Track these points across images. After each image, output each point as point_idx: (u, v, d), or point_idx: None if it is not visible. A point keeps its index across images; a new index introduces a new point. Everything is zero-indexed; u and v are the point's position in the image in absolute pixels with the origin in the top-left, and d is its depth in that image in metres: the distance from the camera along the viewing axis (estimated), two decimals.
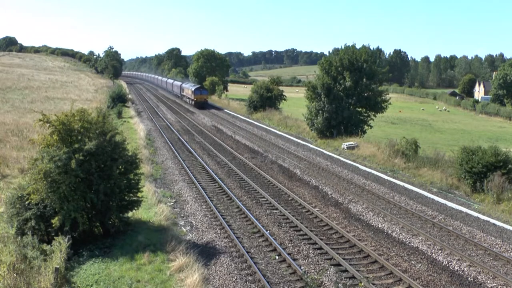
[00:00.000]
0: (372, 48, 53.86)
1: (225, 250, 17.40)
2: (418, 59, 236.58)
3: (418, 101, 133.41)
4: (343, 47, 46.25)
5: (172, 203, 23.15)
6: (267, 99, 64.25)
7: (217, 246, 17.81)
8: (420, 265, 16.81)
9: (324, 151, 37.80)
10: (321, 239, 18.63)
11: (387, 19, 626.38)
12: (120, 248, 16.63)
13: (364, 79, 42.88)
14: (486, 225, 20.62)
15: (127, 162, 17.84)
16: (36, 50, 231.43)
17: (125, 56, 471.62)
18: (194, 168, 31.14)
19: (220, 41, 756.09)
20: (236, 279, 15.11)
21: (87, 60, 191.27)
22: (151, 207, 21.18)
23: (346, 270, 15.90)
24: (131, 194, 18.14)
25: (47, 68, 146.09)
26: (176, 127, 51.72)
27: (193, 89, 76.00)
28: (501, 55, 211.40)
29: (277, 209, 22.70)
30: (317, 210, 22.49)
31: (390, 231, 19.79)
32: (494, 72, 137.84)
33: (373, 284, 14.94)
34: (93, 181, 16.80)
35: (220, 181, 27.19)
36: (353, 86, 43.02)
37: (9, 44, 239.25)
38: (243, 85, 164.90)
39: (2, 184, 24.13)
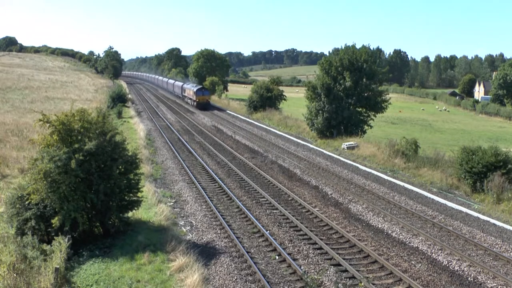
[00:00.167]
0: (372, 48, 53.91)
1: (225, 250, 17.40)
2: (418, 59, 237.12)
3: (418, 101, 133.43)
4: (343, 47, 46.25)
5: (172, 203, 23.15)
6: (267, 99, 64.23)
7: (217, 246, 17.81)
8: (420, 265, 16.81)
9: (324, 151, 37.80)
10: (321, 239, 18.63)
11: (387, 19, 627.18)
12: (120, 248, 16.62)
13: (364, 79, 42.87)
14: (486, 225, 20.62)
15: (127, 162, 17.83)
16: (36, 50, 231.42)
17: (125, 56, 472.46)
18: (194, 168, 31.14)
19: (220, 41, 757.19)
20: (236, 279, 15.11)
21: (87, 60, 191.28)
22: (151, 207, 21.18)
23: (346, 270, 15.89)
24: (131, 194, 18.14)
25: (47, 68, 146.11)
26: (176, 127, 51.72)
27: (195, 90, 74.25)
28: (501, 55, 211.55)
29: (277, 209, 22.70)
30: (317, 210, 22.49)
31: (390, 231, 19.79)
32: (494, 72, 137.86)
33: (373, 284, 14.95)
34: (93, 181, 16.80)
35: (220, 181, 27.20)
36: (353, 86, 43.01)
37: (9, 44, 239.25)
38: (243, 85, 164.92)
39: (2, 184, 24.13)
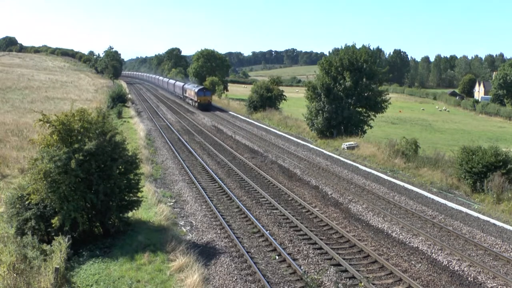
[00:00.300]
0: (372, 48, 53.96)
1: (225, 250, 17.40)
2: (418, 59, 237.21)
3: (418, 101, 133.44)
4: (343, 47, 46.26)
5: (172, 203, 23.15)
6: (267, 99, 64.24)
7: (217, 246, 17.81)
8: (420, 265, 16.81)
9: (324, 151, 37.80)
10: (321, 239, 18.63)
11: (387, 19, 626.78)
12: (120, 248, 16.63)
13: (364, 79, 42.87)
14: (486, 225, 20.62)
15: (127, 162, 17.83)
16: (36, 50, 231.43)
17: (125, 56, 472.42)
18: (194, 168, 31.14)
19: (220, 41, 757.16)
20: (236, 279, 15.11)
21: (87, 60, 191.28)
22: (151, 207, 21.18)
23: (346, 270, 15.89)
24: (131, 194, 18.14)
25: (47, 68, 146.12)
26: (176, 127, 51.73)
27: (196, 90, 73.25)
28: (501, 55, 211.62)
29: (277, 209, 22.70)
30: (317, 210, 22.49)
31: (390, 231, 19.79)
32: (494, 72, 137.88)
33: (373, 284, 14.95)
34: (93, 181, 16.81)
35: (220, 181, 27.19)
36: (353, 86, 43.01)
37: (9, 44, 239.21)
38: (243, 85, 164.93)
39: (2, 184, 24.13)
